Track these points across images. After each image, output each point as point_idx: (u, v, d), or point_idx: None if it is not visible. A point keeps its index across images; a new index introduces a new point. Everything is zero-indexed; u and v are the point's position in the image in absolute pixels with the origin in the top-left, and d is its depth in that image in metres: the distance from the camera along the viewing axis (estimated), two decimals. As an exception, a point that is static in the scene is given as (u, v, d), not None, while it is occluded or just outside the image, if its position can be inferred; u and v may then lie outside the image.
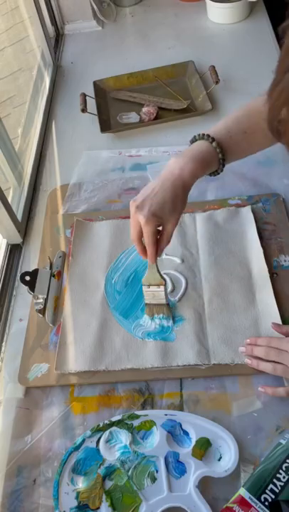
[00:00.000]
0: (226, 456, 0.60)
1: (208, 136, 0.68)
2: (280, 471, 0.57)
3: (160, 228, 0.66)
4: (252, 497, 0.55)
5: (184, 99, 1.12)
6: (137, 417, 0.64)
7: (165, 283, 0.70)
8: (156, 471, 0.59)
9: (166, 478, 0.59)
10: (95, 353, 0.70)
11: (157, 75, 1.19)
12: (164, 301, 0.71)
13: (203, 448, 0.60)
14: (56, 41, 1.44)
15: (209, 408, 0.65)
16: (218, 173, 0.71)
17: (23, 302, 0.80)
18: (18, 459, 0.64)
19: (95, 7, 1.41)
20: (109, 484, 0.59)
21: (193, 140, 0.70)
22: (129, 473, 0.60)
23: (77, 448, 0.62)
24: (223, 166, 0.69)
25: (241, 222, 0.84)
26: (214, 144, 0.67)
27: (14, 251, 0.90)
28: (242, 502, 0.55)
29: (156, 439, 0.62)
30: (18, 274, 0.84)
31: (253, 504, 0.55)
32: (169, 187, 0.64)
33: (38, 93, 1.24)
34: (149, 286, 0.71)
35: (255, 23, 1.34)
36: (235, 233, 0.82)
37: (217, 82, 1.09)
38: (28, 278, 0.80)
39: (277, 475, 0.56)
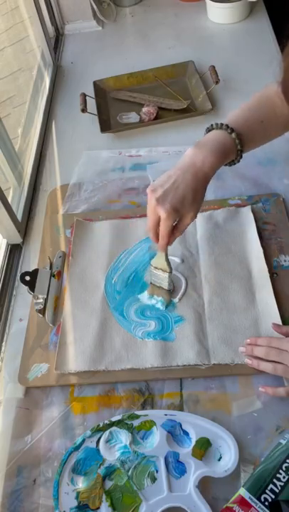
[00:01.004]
0: (225, 456, 0.60)
1: (227, 126, 0.66)
2: (280, 471, 0.57)
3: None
4: (252, 497, 0.55)
5: (184, 99, 1.12)
6: (137, 417, 0.64)
7: (170, 271, 0.71)
8: (156, 471, 0.59)
9: (166, 478, 0.59)
10: (94, 353, 0.70)
11: (157, 75, 1.19)
12: (166, 287, 0.73)
13: (203, 448, 0.60)
14: (56, 41, 1.44)
15: (209, 408, 0.65)
16: (235, 164, 0.70)
17: (23, 302, 0.80)
18: (18, 459, 0.64)
19: (94, 7, 1.42)
20: (109, 484, 0.59)
21: (210, 129, 0.69)
22: (129, 473, 0.60)
23: (77, 448, 0.62)
24: (241, 156, 0.68)
25: (241, 222, 0.84)
26: (234, 134, 0.65)
27: (14, 251, 0.90)
28: (242, 502, 0.55)
29: (156, 439, 0.62)
30: (18, 274, 0.84)
31: (253, 504, 0.55)
32: (191, 180, 0.63)
33: (38, 93, 1.24)
34: (156, 268, 0.73)
35: (255, 23, 1.34)
36: (235, 233, 0.82)
37: (217, 82, 1.09)
38: (28, 278, 0.80)
39: (277, 475, 0.56)
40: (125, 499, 0.58)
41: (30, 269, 0.82)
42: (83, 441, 0.63)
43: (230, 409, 0.64)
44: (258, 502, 0.55)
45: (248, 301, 0.73)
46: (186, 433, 0.62)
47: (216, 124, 0.67)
